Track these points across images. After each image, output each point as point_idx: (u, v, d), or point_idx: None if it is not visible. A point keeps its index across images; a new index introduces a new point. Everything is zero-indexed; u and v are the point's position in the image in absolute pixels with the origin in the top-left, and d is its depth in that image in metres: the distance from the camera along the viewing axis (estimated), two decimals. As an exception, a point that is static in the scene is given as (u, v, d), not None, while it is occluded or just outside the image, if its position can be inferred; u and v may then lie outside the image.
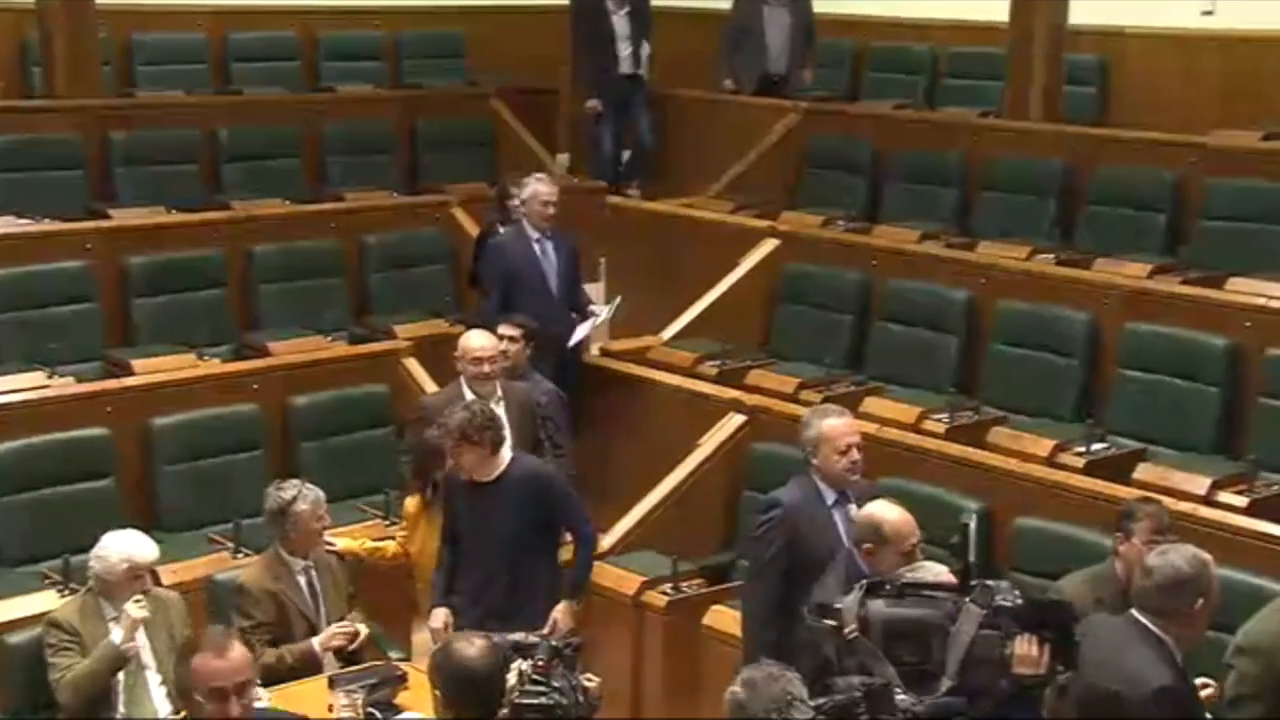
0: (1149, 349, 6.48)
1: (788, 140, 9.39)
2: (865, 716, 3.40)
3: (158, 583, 5.13)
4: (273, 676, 4.83)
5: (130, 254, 7.66)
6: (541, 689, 3.60)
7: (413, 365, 7.15)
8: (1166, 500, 5.30)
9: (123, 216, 8.11)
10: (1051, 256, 7.44)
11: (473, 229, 8.76)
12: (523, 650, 3.73)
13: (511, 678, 3.61)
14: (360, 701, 4.59)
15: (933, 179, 8.68)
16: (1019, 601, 3.58)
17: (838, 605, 3.67)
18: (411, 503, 5.68)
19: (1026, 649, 3.54)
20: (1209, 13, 9.04)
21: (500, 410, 5.62)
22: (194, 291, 7.74)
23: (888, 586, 3.68)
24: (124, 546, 4.78)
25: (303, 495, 5.06)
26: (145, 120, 8.92)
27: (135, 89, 9.58)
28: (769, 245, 8.05)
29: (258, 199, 8.61)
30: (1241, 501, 5.53)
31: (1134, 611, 3.89)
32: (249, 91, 9.76)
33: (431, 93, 10.21)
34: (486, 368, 6.02)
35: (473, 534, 5.25)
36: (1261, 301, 6.42)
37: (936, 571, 3.87)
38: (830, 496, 4.84)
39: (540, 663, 3.66)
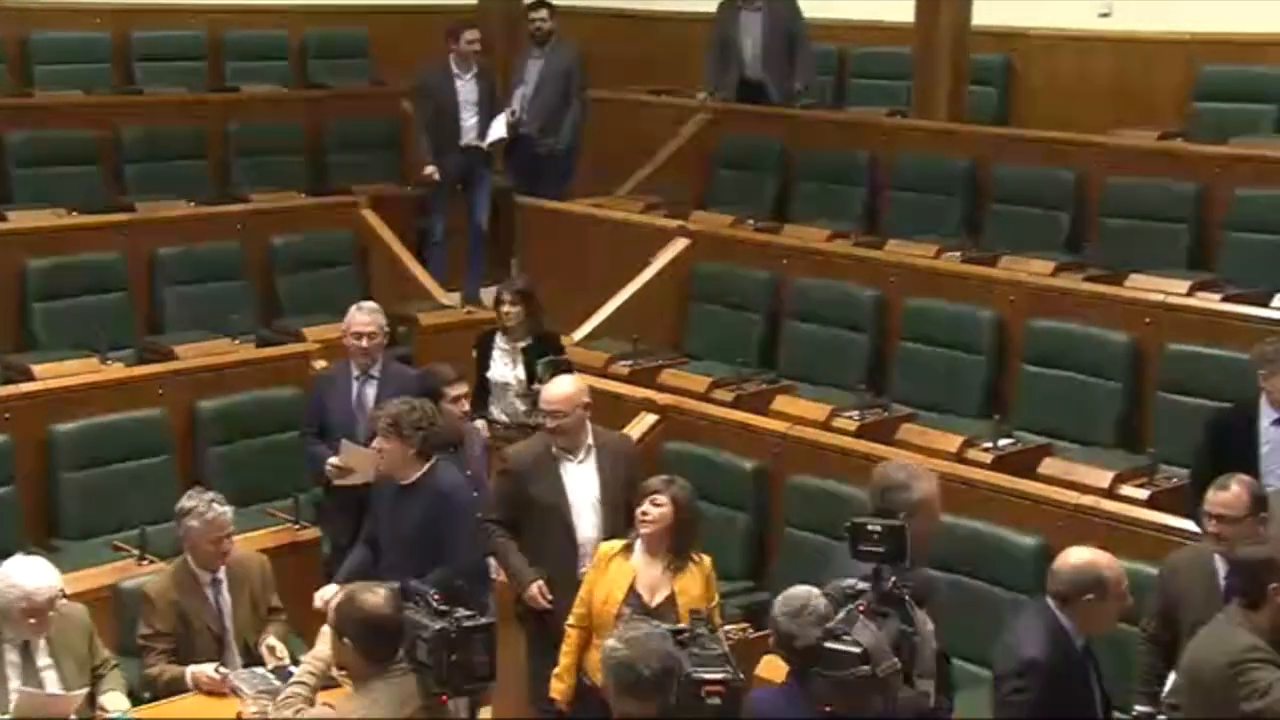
0: (1053, 345, 6.59)
1: (698, 140, 9.43)
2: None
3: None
4: (151, 690, 4.82)
5: (29, 256, 7.52)
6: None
7: (322, 368, 7.07)
8: (1070, 494, 5.43)
9: (20, 219, 7.98)
10: (958, 255, 7.54)
11: (382, 229, 8.72)
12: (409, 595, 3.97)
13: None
14: (269, 708, 4.53)
15: (842, 178, 8.75)
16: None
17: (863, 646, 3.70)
18: None
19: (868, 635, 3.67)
20: (1106, 14, 9.23)
21: (591, 461, 5.31)
22: (96, 295, 7.62)
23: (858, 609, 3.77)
24: (21, 579, 4.54)
25: (197, 512, 4.92)
26: (43, 120, 8.75)
27: (33, 88, 9.39)
28: (680, 245, 8.07)
29: (161, 200, 8.48)
30: (1142, 495, 5.65)
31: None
32: (151, 91, 9.61)
33: (338, 92, 10.13)
34: (550, 422, 5.36)
35: (387, 537, 5.23)
36: (1160, 298, 6.56)
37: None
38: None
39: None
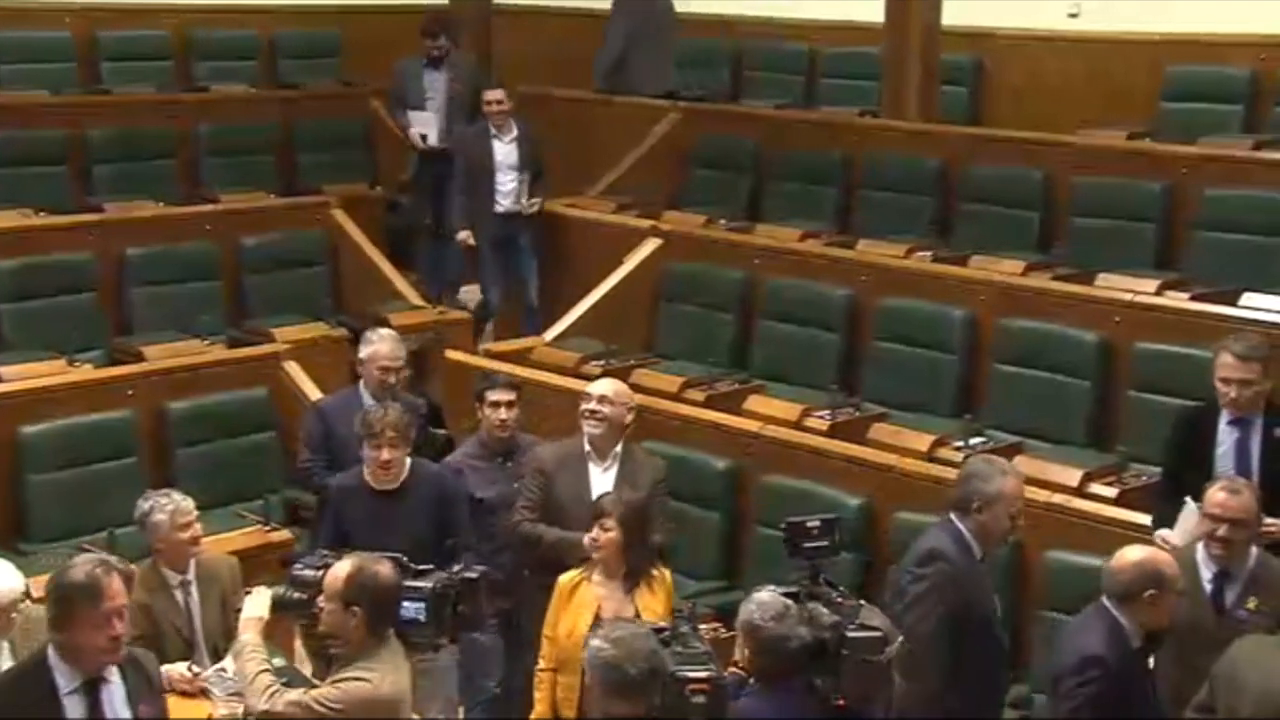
0: (1023, 344, 6.62)
1: (670, 140, 9.43)
2: None
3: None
4: None
5: (-4, 258, 7.47)
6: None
7: (293, 369, 7.05)
8: (1041, 493, 5.45)
9: (-13, 220, 7.89)
10: (929, 254, 7.56)
11: (353, 230, 8.68)
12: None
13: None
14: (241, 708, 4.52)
15: (814, 178, 8.77)
16: None
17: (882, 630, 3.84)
18: None
19: None
20: (1075, 15, 9.28)
21: (615, 469, 5.33)
22: (64, 296, 7.57)
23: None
24: None
25: (159, 505, 4.93)
26: (10, 121, 8.69)
27: (-1, 89, 9.34)
28: (652, 245, 8.08)
29: (130, 201, 8.43)
30: (1111, 492, 5.68)
31: None
32: (119, 91, 9.55)
33: (309, 93, 10.09)
34: (589, 414, 5.40)
35: (371, 545, 5.10)
36: (1129, 296, 6.59)
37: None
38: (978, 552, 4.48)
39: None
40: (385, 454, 5.16)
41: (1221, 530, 4.45)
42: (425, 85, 9.24)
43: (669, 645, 3.76)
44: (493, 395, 5.69)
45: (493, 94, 8.63)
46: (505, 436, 5.68)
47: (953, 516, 4.48)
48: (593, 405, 5.39)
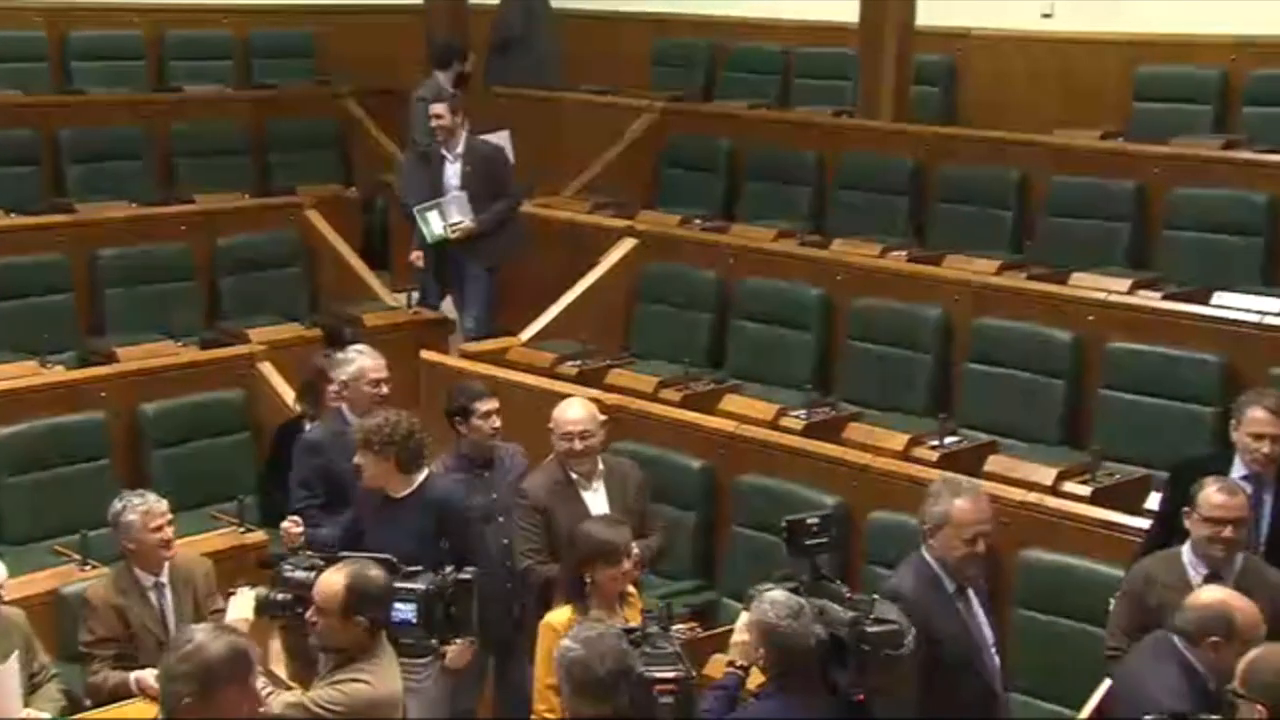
0: (998, 343, 6.64)
1: (645, 140, 9.43)
2: None
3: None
4: (98, 697, 4.75)
5: (-33, 258, 7.43)
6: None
7: (268, 369, 7.02)
8: (1015, 491, 5.47)
9: (-42, 220, 7.84)
10: (904, 254, 7.58)
11: (327, 230, 8.66)
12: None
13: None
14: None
15: (788, 178, 8.78)
16: None
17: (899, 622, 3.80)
18: None
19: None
20: (1048, 15, 9.33)
21: (601, 487, 5.27)
22: (36, 297, 7.52)
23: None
24: None
25: (131, 505, 4.90)
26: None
27: (-33, 88, 9.28)
28: (627, 245, 8.07)
29: (103, 201, 8.39)
30: (1085, 491, 5.69)
31: None
32: (92, 91, 9.50)
33: (282, 93, 10.06)
34: (579, 444, 5.26)
35: (376, 549, 4.99)
36: (1102, 296, 6.62)
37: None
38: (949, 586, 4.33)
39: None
40: (356, 456, 5.07)
41: (1226, 531, 4.36)
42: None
43: (638, 646, 3.76)
44: (485, 405, 5.50)
45: (434, 108, 8.11)
46: (489, 446, 5.58)
47: (924, 551, 4.33)
48: (575, 444, 5.24)
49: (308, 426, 6.03)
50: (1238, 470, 4.79)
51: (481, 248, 8.01)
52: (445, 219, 7.86)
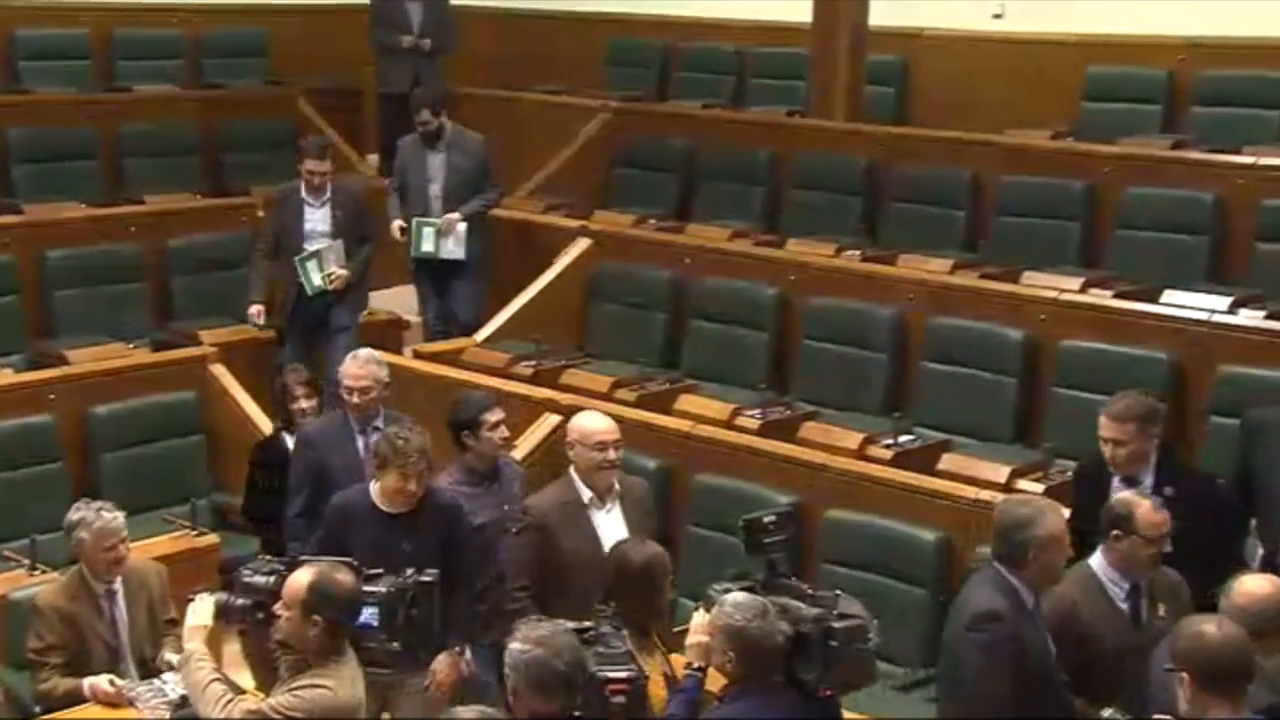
0: (951, 342, 6.68)
1: (599, 140, 9.43)
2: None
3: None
4: (46, 705, 4.70)
5: (-87, 260, 7.34)
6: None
7: (220, 371, 6.97)
8: (969, 489, 5.51)
9: (-97, 221, 7.74)
10: (857, 254, 7.62)
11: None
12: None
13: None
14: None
15: (743, 178, 8.80)
16: None
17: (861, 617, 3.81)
18: None
19: None
20: (999, 16, 9.40)
21: (616, 508, 4.94)
22: (-17, 299, 7.45)
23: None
24: None
25: (86, 523, 4.81)
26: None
27: (-87, 88, 9.17)
28: (582, 245, 8.07)
29: (51, 202, 8.30)
30: (1038, 488, 5.71)
31: None
32: (40, 91, 9.40)
33: (234, 93, 9.97)
34: (613, 454, 4.93)
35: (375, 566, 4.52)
36: (1054, 294, 6.68)
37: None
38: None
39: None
40: (413, 485, 4.85)
41: (1164, 547, 4.33)
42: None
43: (591, 645, 3.75)
44: (493, 416, 5.33)
45: (312, 163, 7.64)
46: (495, 456, 5.46)
47: (1000, 568, 4.13)
48: (610, 454, 4.89)
49: (285, 437, 6.02)
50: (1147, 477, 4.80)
51: (349, 298, 7.68)
52: (323, 268, 7.56)
